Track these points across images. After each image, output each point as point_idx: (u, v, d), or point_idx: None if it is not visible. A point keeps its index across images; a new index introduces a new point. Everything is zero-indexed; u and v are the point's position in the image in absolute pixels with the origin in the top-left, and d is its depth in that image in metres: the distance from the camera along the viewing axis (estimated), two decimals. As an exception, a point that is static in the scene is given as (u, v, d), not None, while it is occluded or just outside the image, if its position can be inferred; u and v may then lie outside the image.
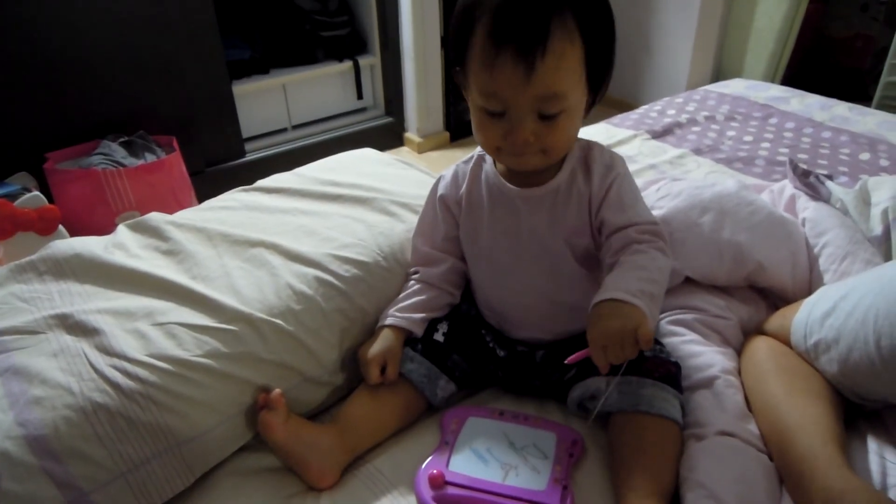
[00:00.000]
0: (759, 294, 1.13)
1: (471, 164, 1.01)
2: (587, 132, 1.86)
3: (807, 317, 0.90)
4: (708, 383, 0.92)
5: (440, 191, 1.04)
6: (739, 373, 0.97)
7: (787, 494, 0.78)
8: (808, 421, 0.81)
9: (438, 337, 0.99)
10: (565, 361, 0.83)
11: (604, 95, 0.89)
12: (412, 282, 1.03)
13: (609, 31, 0.84)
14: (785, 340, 0.95)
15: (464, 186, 1.00)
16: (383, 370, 0.94)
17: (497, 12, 0.79)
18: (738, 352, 1.02)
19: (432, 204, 1.05)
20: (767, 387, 0.89)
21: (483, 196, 0.98)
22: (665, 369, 0.89)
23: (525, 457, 0.86)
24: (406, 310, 0.99)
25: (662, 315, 1.07)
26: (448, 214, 1.03)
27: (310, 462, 0.85)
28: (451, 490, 0.82)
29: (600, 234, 0.93)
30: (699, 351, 0.98)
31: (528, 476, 0.83)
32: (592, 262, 0.95)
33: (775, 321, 1.00)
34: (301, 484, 0.87)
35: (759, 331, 1.02)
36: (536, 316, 0.98)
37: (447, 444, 0.88)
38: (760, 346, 0.97)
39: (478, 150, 1.00)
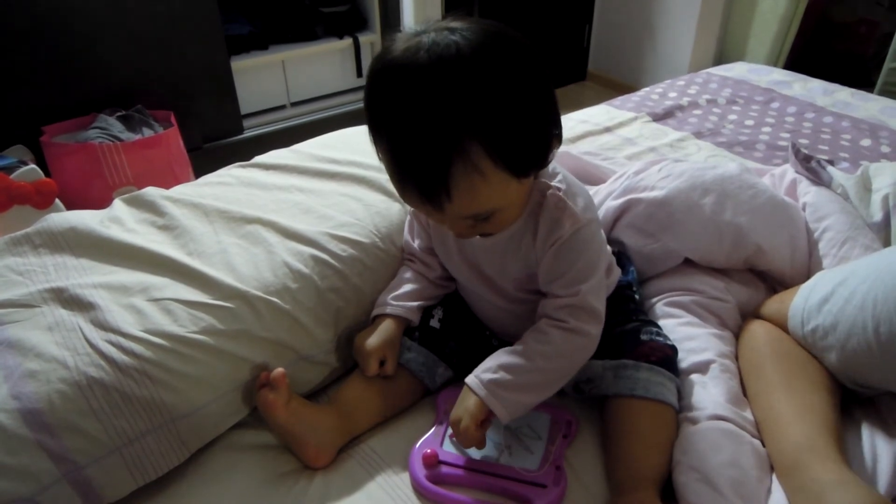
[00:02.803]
0: (757, 277, 1.13)
1: None
2: (588, 114, 1.85)
3: (804, 302, 0.89)
4: (703, 367, 0.92)
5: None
6: (736, 357, 0.97)
7: (777, 481, 0.78)
8: (803, 410, 0.80)
9: (434, 323, 0.99)
10: (449, 437, 0.86)
11: (557, 148, 0.80)
12: (408, 269, 1.02)
13: (533, 123, 0.74)
14: (782, 325, 0.94)
15: None
16: (382, 362, 0.93)
17: (393, 147, 0.72)
18: (736, 334, 1.02)
19: (411, 212, 1.04)
20: (764, 373, 0.89)
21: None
22: (661, 353, 0.89)
23: (519, 437, 0.86)
24: (402, 298, 0.98)
25: (659, 297, 1.06)
26: (422, 229, 1.02)
27: (308, 442, 0.85)
28: (444, 469, 0.82)
29: None
30: (695, 334, 0.98)
31: (521, 456, 0.84)
32: None
33: (772, 305, 0.99)
34: (296, 462, 0.87)
35: (757, 314, 1.01)
36: (513, 328, 0.97)
37: (441, 424, 0.89)
38: (758, 331, 0.96)
39: None
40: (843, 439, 0.79)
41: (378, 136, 0.75)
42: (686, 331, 0.98)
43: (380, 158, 0.77)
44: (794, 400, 0.82)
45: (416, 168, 0.72)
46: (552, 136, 0.78)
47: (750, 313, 1.04)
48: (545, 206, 0.85)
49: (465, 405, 0.81)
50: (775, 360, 0.89)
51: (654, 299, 1.07)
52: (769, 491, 0.77)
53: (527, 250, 0.87)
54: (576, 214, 0.84)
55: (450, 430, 0.87)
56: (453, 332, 0.99)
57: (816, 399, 0.82)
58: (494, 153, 0.70)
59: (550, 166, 0.88)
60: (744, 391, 0.91)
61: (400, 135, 0.71)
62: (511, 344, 0.98)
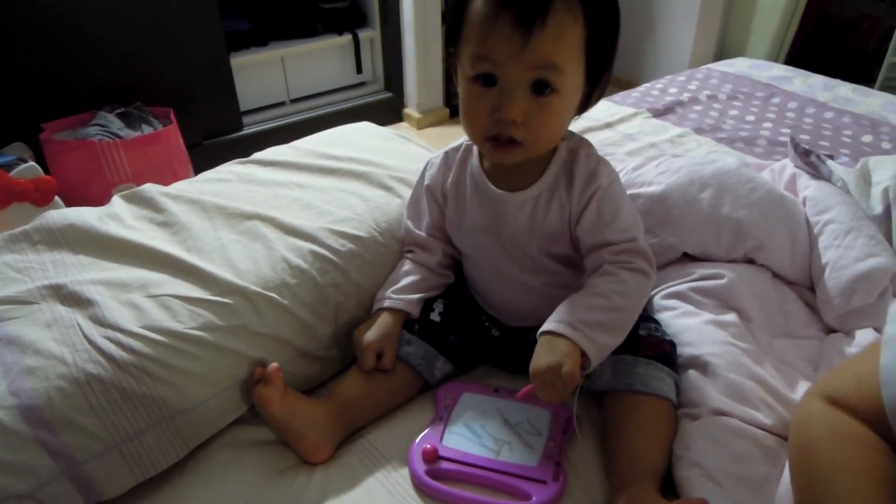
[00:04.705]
0: (758, 267, 1.11)
1: (459, 153, 0.98)
2: (588, 110, 1.84)
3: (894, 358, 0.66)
4: (699, 361, 0.91)
5: (427, 180, 1.01)
6: (740, 340, 0.94)
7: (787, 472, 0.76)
8: None
9: (435, 317, 0.99)
10: (517, 396, 0.84)
11: (601, 96, 0.86)
12: (407, 261, 1.02)
13: (614, 23, 0.81)
14: (867, 409, 0.68)
15: (450, 177, 0.98)
16: (379, 356, 0.93)
17: None
18: (740, 310, 1.00)
19: (419, 190, 1.03)
20: (834, 493, 0.65)
21: (467, 191, 0.95)
22: (660, 348, 0.89)
23: (518, 433, 0.86)
24: (402, 291, 0.98)
25: (657, 290, 1.06)
26: (434, 204, 1.01)
27: (305, 436, 0.85)
28: (444, 465, 0.82)
29: (579, 247, 0.91)
30: (690, 325, 0.97)
31: (521, 452, 0.83)
32: (575, 261, 0.93)
33: (846, 383, 0.74)
34: (295, 457, 0.87)
35: (826, 397, 0.74)
36: (525, 307, 0.98)
37: (441, 420, 0.88)
38: (822, 427, 0.71)
39: (466, 137, 0.96)
40: None
41: None
42: (682, 323, 0.97)
43: (465, 20, 0.79)
44: None
45: None
46: (608, 68, 0.84)
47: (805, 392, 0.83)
48: (578, 160, 0.88)
49: (557, 350, 0.77)
50: (850, 477, 0.65)
51: (652, 293, 1.06)
52: (778, 481, 0.76)
53: (561, 204, 0.88)
54: (609, 165, 0.89)
55: (460, 423, 0.87)
56: (453, 325, 0.99)
57: None
58: (588, 15, 0.77)
59: (574, 138, 0.92)
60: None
61: None
62: (513, 333, 0.99)
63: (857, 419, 0.70)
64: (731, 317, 0.98)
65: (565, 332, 0.78)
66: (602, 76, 0.84)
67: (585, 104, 0.86)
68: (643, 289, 0.85)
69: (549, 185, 0.89)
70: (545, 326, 0.81)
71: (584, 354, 0.78)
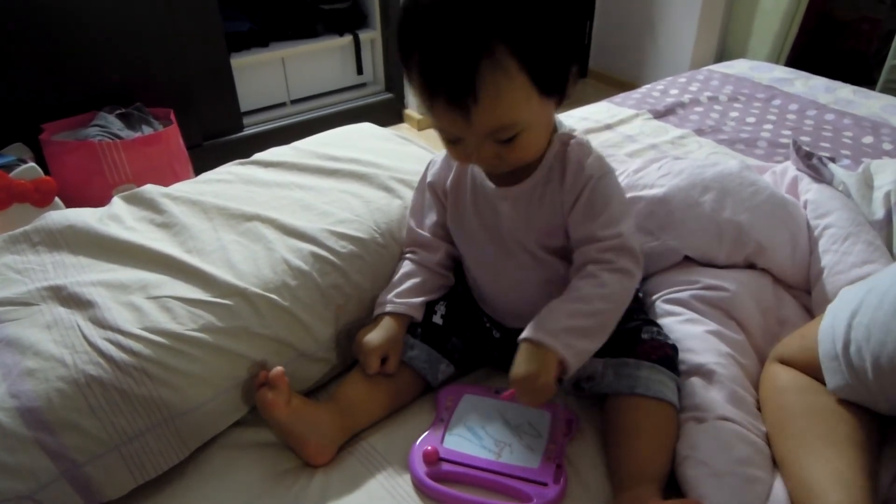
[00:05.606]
0: (759, 272, 1.11)
1: None
2: (589, 111, 1.84)
3: (832, 321, 0.81)
4: (703, 370, 0.91)
5: (429, 177, 1.02)
6: (741, 355, 0.95)
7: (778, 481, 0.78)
8: (836, 477, 0.73)
9: (437, 319, 0.99)
10: (500, 397, 0.84)
11: (574, 85, 0.83)
12: (407, 262, 1.02)
13: (557, 38, 0.77)
14: (808, 362, 0.84)
15: (451, 176, 0.99)
16: (383, 360, 0.93)
17: (423, 60, 0.76)
18: (742, 323, 1.00)
19: (422, 189, 1.04)
20: (791, 433, 0.82)
21: (467, 189, 0.96)
22: (662, 352, 0.88)
23: (519, 435, 0.86)
24: (404, 294, 0.98)
25: (658, 294, 1.06)
26: (437, 201, 1.02)
27: (308, 440, 0.85)
28: (445, 467, 0.82)
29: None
30: (694, 333, 0.96)
31: (521, 454, 0.83)
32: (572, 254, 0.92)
33: (794, 343, 0.90)
34: (296, 459, 0.87)
35: (778, 358, 0.91)
36: (525, 306, 0.97)
37: (442, 422, 0.88)
38: (782, 381, 0.88)
39: None
40: (882, 495, 0.74)
41: (409, 59, 0.77)
42: (685, 329, 0.97)
43: (411, 88, 0.80)
44: (827, 466, 0.74)
45: (445, 72, 0.74)
46: (572, 62, 0.80)
47: (770, 355, 0.95)
48: (569, 154, 0.88)
49: (537, 360, 0.78)
50: (803, 417, 0.82)
51: (654, 297, 1.06)
52: (770, 490, 0.77)
53: (553, 197, 0.88)
54: (601, 158, 0.88)
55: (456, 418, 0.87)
56: (455, 328, 0.99)
57: (850, 462, 0.74)
58: (519, 56, 0.73)
59: (567, 129, 0.91)
60: (768, 442, 0.86)
61: (430, 44, 0.74)
62: (513, 335, 0.98)
63: (800, 371, 0.86)
64: (733, 330, 0.99)
65: (544, 341, 0.79)
66: (564, 82, 0.81)
67: (560, 102, 0.84)
68: (626, 289, 0.85)
69: (542, 177, 0.89)
70: (525, 333, 0.81)
71: (562, 360, 0.79)
